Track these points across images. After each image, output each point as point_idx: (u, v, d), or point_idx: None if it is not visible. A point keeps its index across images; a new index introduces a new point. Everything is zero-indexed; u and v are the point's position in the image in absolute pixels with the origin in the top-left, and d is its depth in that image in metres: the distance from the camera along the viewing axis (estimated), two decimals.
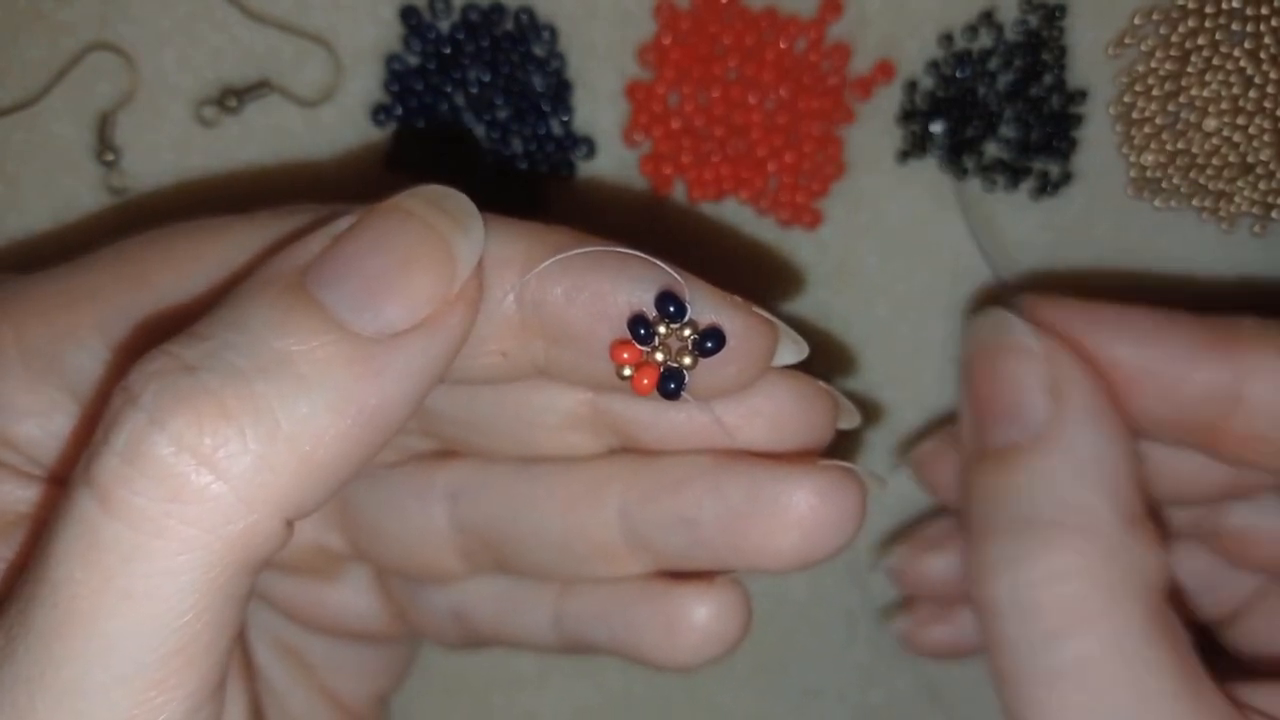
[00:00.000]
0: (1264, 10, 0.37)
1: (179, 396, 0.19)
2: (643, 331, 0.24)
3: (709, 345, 0.24)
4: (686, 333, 0.24)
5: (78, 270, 0.27)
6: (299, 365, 0.19)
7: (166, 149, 0.37)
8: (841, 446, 0.30)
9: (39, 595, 0.19)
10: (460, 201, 0.23)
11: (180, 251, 0.26)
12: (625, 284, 0.24)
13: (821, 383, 0.28)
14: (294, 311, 0.20)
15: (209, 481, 0.19)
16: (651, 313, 0.24)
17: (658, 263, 0.24)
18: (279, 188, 0.37)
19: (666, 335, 0.24)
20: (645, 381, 0.24)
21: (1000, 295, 0.33)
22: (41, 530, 0.20)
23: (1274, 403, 0.27)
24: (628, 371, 0.24)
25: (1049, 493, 0.28)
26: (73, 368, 0.26)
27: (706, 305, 0.24)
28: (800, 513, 0.27)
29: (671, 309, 0.24)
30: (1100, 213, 0.39)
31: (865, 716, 0.42)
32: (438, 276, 0.21)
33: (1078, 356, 0.29)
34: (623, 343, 0.24)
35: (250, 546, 0.20)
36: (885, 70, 0.37)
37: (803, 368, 0.27)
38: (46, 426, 0.26)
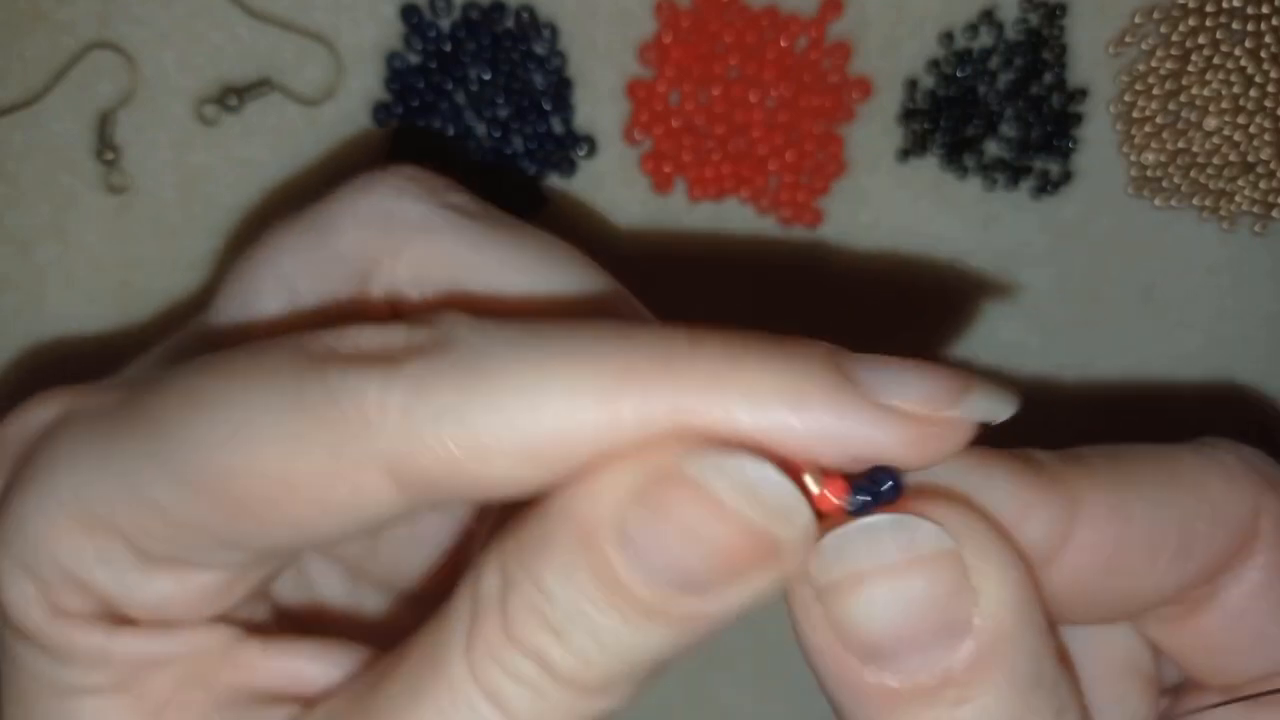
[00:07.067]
0: (1264, 9, 0.37)
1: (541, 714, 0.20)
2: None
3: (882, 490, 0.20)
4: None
5: (146, 452, 0.21)
6: (621, 646, 0.20)
7: (167, 148, 0.37)
8: None
9: None
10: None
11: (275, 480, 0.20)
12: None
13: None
14: (618, 599, 0.20)
15: None
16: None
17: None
18: (280, 186, 0.37)
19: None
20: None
21: None
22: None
23: (1099, 546, 0.23)
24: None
25: None
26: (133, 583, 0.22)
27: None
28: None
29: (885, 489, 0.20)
30: (1100, 212, 0.39)
31: None
32: (757, 578, 0.20)
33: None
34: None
35: None
36: (862, 88, 0.38)
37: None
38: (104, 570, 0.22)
